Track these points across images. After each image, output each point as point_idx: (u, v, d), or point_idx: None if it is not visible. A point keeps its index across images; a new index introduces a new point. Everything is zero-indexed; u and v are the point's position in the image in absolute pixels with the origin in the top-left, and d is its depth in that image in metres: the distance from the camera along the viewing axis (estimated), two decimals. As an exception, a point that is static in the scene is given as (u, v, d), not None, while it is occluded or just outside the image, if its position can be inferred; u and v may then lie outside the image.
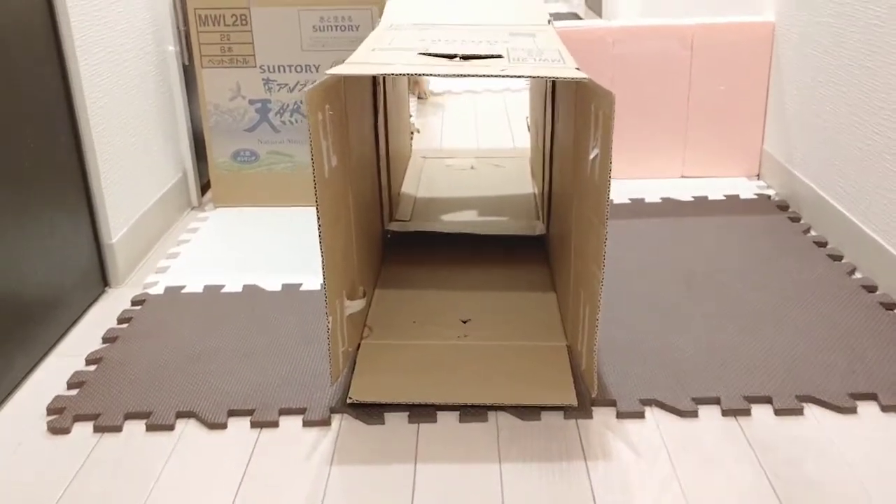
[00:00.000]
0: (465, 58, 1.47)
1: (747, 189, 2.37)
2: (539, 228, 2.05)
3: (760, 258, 1.92)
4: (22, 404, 1.48)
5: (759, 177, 2.46)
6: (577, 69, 1.36)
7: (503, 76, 1.34)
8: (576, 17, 5.93)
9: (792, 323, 1.64)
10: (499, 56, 1.48)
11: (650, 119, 2.43)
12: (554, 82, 1.87)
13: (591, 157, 1.35)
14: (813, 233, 2.06)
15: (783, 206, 2.22)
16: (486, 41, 1.62)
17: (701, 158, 2.47)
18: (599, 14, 5.31)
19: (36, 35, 1.63)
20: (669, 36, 2.35)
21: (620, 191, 2.38)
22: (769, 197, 2.30)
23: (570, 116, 1.60)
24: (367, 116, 1.81)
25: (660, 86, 2.39)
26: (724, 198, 2.31)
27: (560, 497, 1.21)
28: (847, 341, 1.56)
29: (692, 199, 2.30)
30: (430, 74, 1.36)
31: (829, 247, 1.97)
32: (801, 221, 2.12)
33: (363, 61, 1.42)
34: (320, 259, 1.32)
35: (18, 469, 1.31)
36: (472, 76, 1.34)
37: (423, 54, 1.48)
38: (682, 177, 2.49)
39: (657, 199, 2.31)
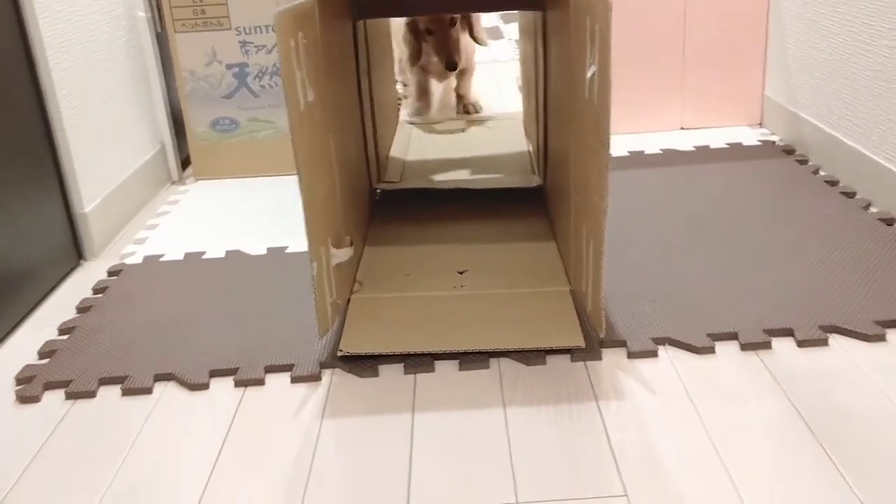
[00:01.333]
0: None
1: (750, 137, 2.27)
2: (535, 181, 1.95)
3: (769, 199, 1.83)
4: (-11, 375, 1.38)
5: (761, 125, 2.36)
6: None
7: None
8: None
9: (808, 257, 1.54)
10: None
11: (645, 70, 2.33)
12: (545, 22, 1.78)
13: (589, 75, 1.25)
14: (822, 173, 1.96)
15: (789, 150, 2.13)
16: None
17: (700, 108, 2.37)
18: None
19: (-9, -12, 1.53)
20: (662, -19, 2.25)
21: (618, 144, 2.28)
22: (773, 143, 2.20)
23: (564, 48, 1.50)
24: (349, 66, 1.71)
25: (653, 34, 2.30)
26: (726, 146, 2.21)
27: (570, 437, 1.12)
28: (868, 272, 1.47)
29: (693, 149, 2.21)
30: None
31: (841, 185, 1.87)
32: (810, 163, 2.03)
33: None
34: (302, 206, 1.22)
35: (-16, 441, 1.21)
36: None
37: None
38: (682, 128, 2.39)
39: (657, 151, 2.22)
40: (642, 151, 2.22)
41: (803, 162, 2.04)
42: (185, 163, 2.33)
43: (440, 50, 2.31)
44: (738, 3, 2.25)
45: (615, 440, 1.10)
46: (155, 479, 1.10)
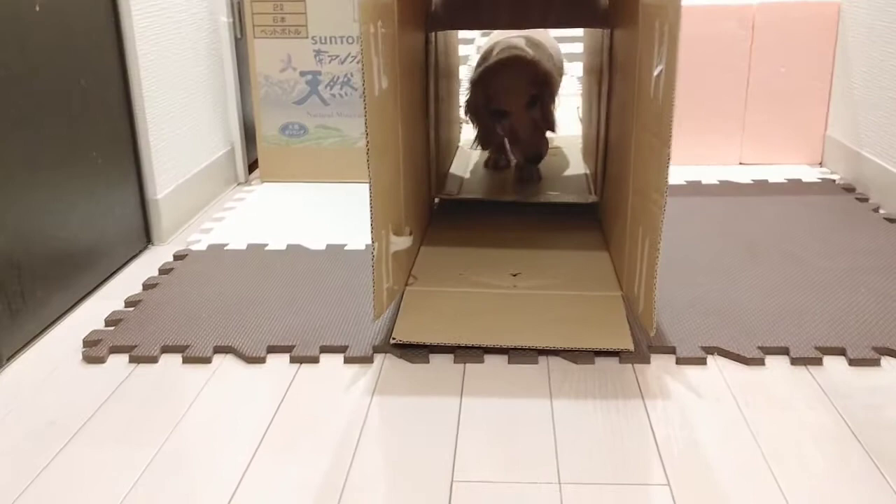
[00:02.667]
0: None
1: (810, 174, 2.27)
2: (592, 198, 1.98)
3: (827, 230, 1.82)
4: (59, 337, 1.45)
5: (821, 164, 2.36)
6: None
7: None
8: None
9: (863, 285, 1.53)
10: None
11: (707, 103, 2.35)
12: (612, 40, 1.82)
13: (655, 73, 1.28)
14: (883, 211, 1.95)
15: (849, 188, 2.12)
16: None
17: (760, 144, 2.38)
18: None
19: (92, -21, 1.63)
20: (729, 16, 2.28)
21: (675, 174, 2.29)
22: (833, 181, 2.20)
23: (630, 60, 1.54)
24: (419, 73, 1.77)
25: (718, 68, 2.32)
26: (785, 181, 2.21)
27: (615, 429, 1.13)
28: (926, 302, 1.46)
29: (751, 182, 2.21)
30: None
31: (901, 222, 1.87)
32: (870, 201, 2.02)
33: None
34: (369, 211, 1.27)
35: (50, 393, 1.27)
36: None
37: None
38: (740, 163, 2.40)
39: (714, 182, 2.23)
40: (699, 181, 2.23)
41: (863, 199, 2.03)
42: (251, 167, 2.41)
43: (517, 137, 1.87)
44: (805, 42, 2.27)
45: (660, 435, 1.11)
46: (207, 442, 1.14)
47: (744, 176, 2.27)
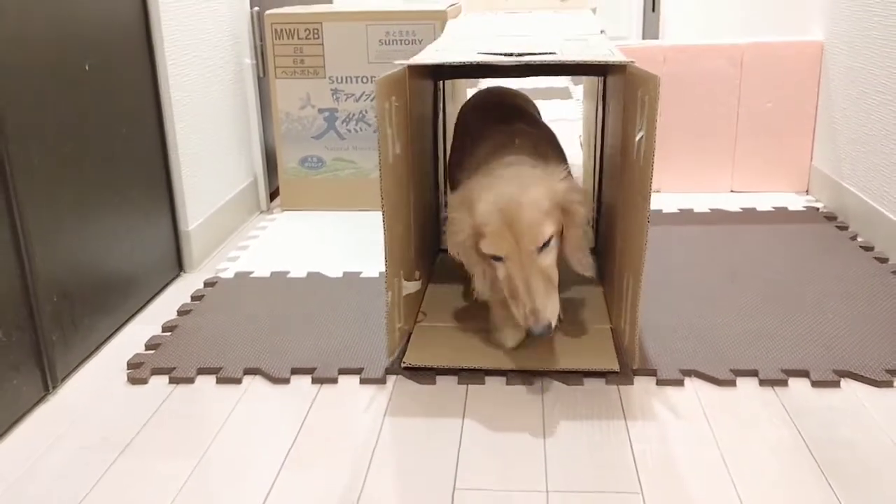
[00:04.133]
0: (521, 55, 1.59)
1: (796, 202, 2.42)
2: (589, 240, 2.12)
3: (805, 259, 1.97)
4: (105, 359, 1.62)
5: (807, 192, 2.51)
6: (630, 62, 1.46)
7: (554, 62, 1.45)
8: (633, 59, 6.04)
9: (833, 312, 1.68)
10: (552, 53, 1.59)
11: (700, 135, 2.51)
12: (605, 88, 1.98)
13: (637, 138, 1.45)
14: (860, 239, 2.10)
15: (831, 217, 2.27)
16: (541, 45, 1.74)
17: (750, 174, 2.53)
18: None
19: (132, 40, 1.81)
20: (719, 55, 2.44)
21: (669, 202, 2.45)
22: (817, 209, 2.35)
23: (619, 112, 1.70)
24: (428, 123, 1.94)
25: (709, 103, 2.48)
26: (772, 209, 2.36)
27: (598, 445, 1.28)
28: (886, 326, 1.60)
29: (740, 210, 2.36)
30: (488, 62, 1.48)
31: (875, 250, 2.01)
32: (849, 229, 2.16)
33: (427, 58, 1.55)
34: (382, 243, 1.44)
35: (100, 411, 1.44)
36: (526, 62, 1.45)
37: (483, 53, 1.60)
38: (731, 191, 2.55)
39: (706, 210, 2.38)
40: (692, 209, 2.38)
41: (843, 228, 2.17)
42: (272, 195, 2.59)
43: (517, 292, 1.35)
44: (791, 78, 2.42)
45: (637, 450, 1.27)
46: (240, 455, 1.31)
47: (734, 203, 2.42)
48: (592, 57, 1.44)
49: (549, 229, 1.36)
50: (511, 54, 1.58)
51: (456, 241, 1.44)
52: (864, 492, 1.15)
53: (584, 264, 1.45)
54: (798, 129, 2.47)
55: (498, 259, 1.38)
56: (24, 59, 1.42)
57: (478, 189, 1.41)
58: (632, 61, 1.39)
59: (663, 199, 2.48)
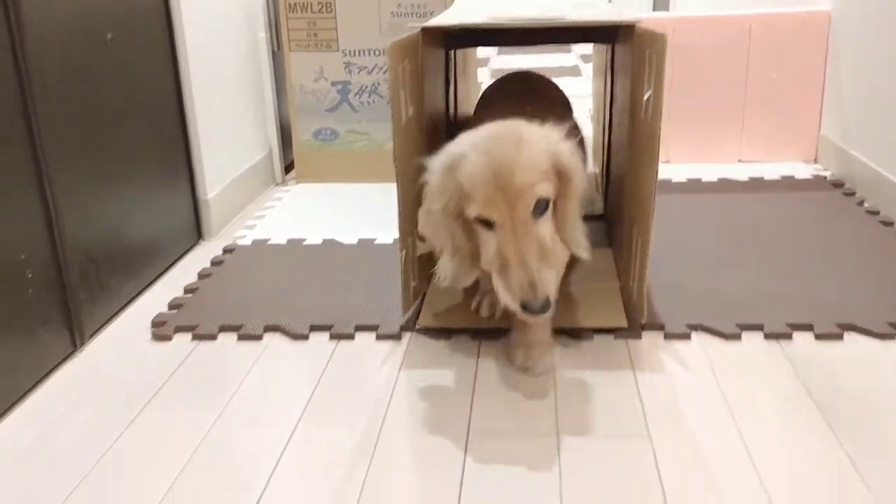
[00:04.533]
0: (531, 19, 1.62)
1: (804, 171, 2.44)
2: (598, 207, 2.16)
3: (811, 223, 2.00)
4: (129, 319, 1.67)
5: (816, 161, 2.53)
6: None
7: (563, 24, 1.48)
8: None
9: (837, 272, 1.71)
10: (561, 18, 1.63)
11: (708, 106, 2.53)
12: (613, 56, 2.01)
13: (645, 98, 1.48)
14: (867, 204, 2.12)
15: (838, 184, 2.29)
16: (550, 10, 1.78)
17: (758, 144, 2.56)
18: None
19: (151, 13, 1.85)
20: (728, 25, 2.46)
21: (678, 172, 2.48)
22: (825, 178, 2.37)
23: (627, 84, 1.73)
24: (440, 87, 1.97)
25: (718, 74, 2.50)
26: (779, 178, 2.39)
27: (608, 393, 1.33)
28: (892, 286, 1.63)
29: (748, 180, 2.39)
30: (499, 25, 1.52)
31: (881, 215, 2.04)
32: (856, 195, 2.19)
33: (440, 20, 1.59)
34: (395, 210, 1.48)
35: (125, 368, 1.49)
36: (535, 23, 1.48)
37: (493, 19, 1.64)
38: (740, 161, 2.58)
39: (714, 179, 2.41)
40: (700, 179, 2.41)
41: (850, 194, 2.20)
42: (287, 168, 2.63)
43: (509, 264, 1.20)
44: (799, 48, 2.44)
45: (645, 398, 1.31)
46: (261, 407, 1.36)
47: (742, 173, 2.45)
48: (601, 17, 1.48)
49: (546, 192, 1.21)
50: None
51: (433, 209, 1.26)
52: (865, 438, 1.19)
53: (577, 242, 1.27)
54: (806, 98, 2.49)
55: (489, 227, 1.21)
56: (51, 32, 1.47)
57: (465, 147, 1.24)
58: (639, 20, 1.42)
59: (672, 170, 2.51)
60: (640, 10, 6.84)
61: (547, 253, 1.21)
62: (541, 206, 1.22)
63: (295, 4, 2.39)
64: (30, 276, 1.41)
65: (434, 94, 1.86)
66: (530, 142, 1.23)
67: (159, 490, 1.15)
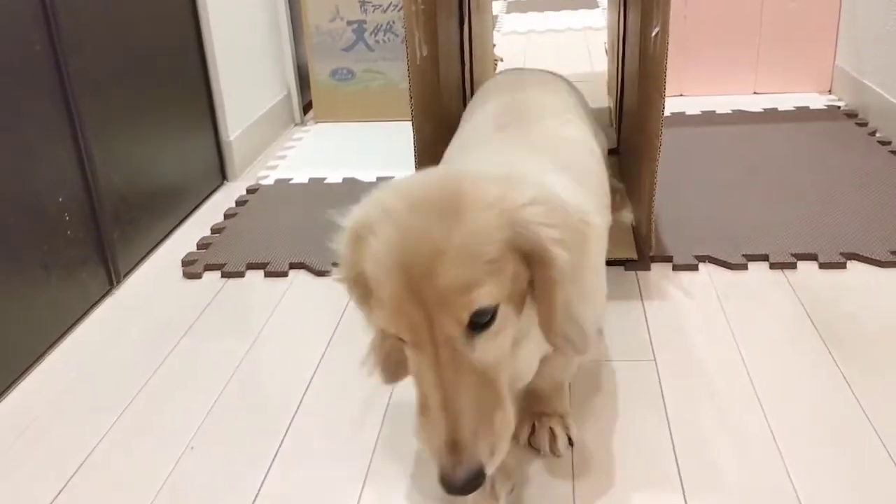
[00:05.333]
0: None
1: (818, 102, 2.46)
2: (611, 141, 2.19)
3: (822, 153, 2.03)
4: (161, 257, 1.75)
5: (830, 91, 2.54)
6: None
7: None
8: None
9: (843, 201, 1.75)
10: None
11: (722, 37, 2.53)
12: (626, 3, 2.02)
13: (653, 33, 1.51)
14: (879, 135, 2.14)
15: (851, 114, 2.31)
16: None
17: (773, 75, 2.56)
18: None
19: (168, -49, 1.88)
20: (743, -45, 2.44)
21: (692, 104, 2.50)
22: (838, 108, 2.38)
23: (638, 19, 1.75)
24: (454, 31, 2.00)
25: (733, 5, 2.49)
26: (794, 109, 2.41)
27: (616, 321, 1.40)
28: (894, 214, 1.68)
29: (762, 111, 2.41)
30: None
31: (892, 145, 2.06)
32: (868, 125, 2.21)
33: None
34: (412, 144, 1.53)
35: (160, 304, 1.58)
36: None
37: None
38: (755, 93, 2.59)
39: (728, 111, 2.43)
40: (714, 111, 2.43)
41: (862, 124, 2.22)
42: (306, 108, 2.68)
43: (427, 405, 0.78)
44: (815, -23, 2.43)
45: (652, 324, 1.38)
46: (290, 336, 1.44)
47: (756, 105, 2.47)
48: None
49: (490, 298, 0.76)
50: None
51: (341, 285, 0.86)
52: (861, 358, 1.26)
53: (573, 340, 0.83)
54: (821, 28, 2.48)
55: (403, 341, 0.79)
56: (73, -24, 1.52)
57: (378, 210, 0.80)
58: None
59: (686, 102, 2.53)
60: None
61: (491, 393, 0.77)
62: (482, 317, 0.76)
63: (309, -56, 2.40)
64: (67, 218, 1.49)
65: (448, 32, 1.89)
66: (473, 210, 0.76)
67: (200, 414, 1.24)
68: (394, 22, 2.46)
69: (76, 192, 1.52)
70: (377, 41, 2.49)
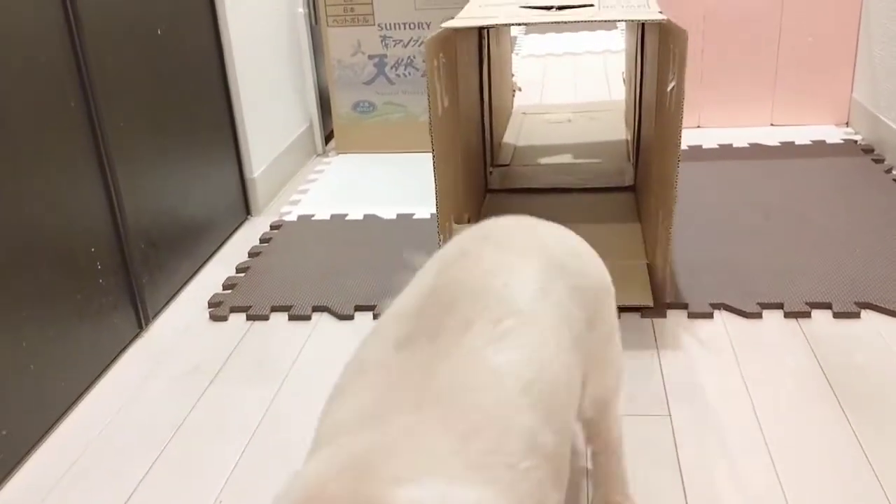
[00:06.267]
0: (560, 8, 1.68)
1: (835, 135, 2.47)
2: (628, 178, 2.23)
3: (838, 192, 2.05)
4: (188, 299, 1.80)
5: (847, 124, 2.55)
6: (660, 12, 1.54)
7: (590, 20, 1.54)
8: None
9: (859, 245, 1.77)
10: (590, 5, 1.68)
11: (740, 69, 2.56)
12: (643, 35, 2.05)
13: (669, 88, 1.54)
14: (895, 173, 2.16)
15: (868, 150, 2.32)
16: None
17: (790, 107, 2.58)
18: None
19: (197, 4, 1.94)
20: (760, -11, 2.47)
21: (710, 137, 2.52)
22: (855, 142, 2.40)
23: (655, 60, 1.78)
24: (474, 68, 2.04)
25: (750, 36, 2.52)
26: (810, 143, 2.42)
27: (631, 371, 1.43)
28: (911, 261, 1.70)
29: (779, 144, 2.43)
30: (528, 23, 1.58)
31: (908, 184, 2.08)
32: (885, 163, 2.23)
33: (471, 16, 1.65)
34: (433, 190, 1.57)
35: (188, 347, 1.63)
36: (563, 22, 1.54)
37: (524, 7, 1.70)
38: (772, 125, 2.61)
39: (745, 145, 2.45)
40: (731, 144, 2.46)
41: (879, 161, 2.24)
42: (327, 138, 2.73)
43: None
44: (831, 12, 2.45)
45: (667, 376, 1.41)
46: (314, 384, 1.48)
47: (773, 137, 2.49)
48: (628, 16, 1.53)
49: None
50: (550, 8, 1.68)
51: None
52: (872, 413, 1.28)
53: None
54: (838, 62, 2.50)
55: None
56: (109, 29, 1.57)
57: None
58: (664, 20, 1.48)
59: (704, 135, 2.55)
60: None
61: None
62: None
63: (331, -19, 2.45)
64: (99, 267, 1.54)
65: (468, 78, 1.93)
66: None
67: (232, 458, 1.28)
68: (414, 56, 2.50)
69: (107, 239, 1.57)
70: (398, 75, 2.53)
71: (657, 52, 1.73)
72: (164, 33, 1.77)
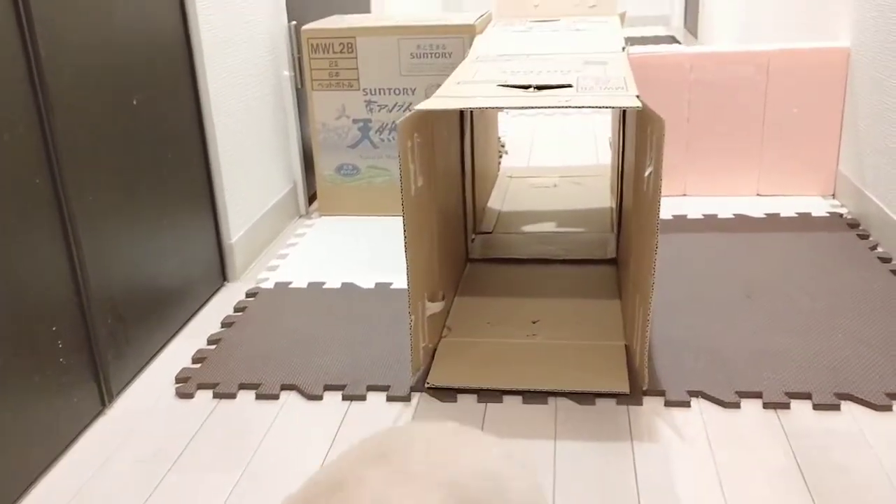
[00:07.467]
0: (539, 87, 1.67)
1: (821, 207, 2.46)
2: (610, 250, 2.20)
3: (822, 270, 2.03)
4: (156, 373, 1.76)
5: (833, 196, 2.54)
6: (637, 97, 1.53)
7: (565, 107, 1.52)
8: (674, 40, 6.02)
9: (842, 329, 1.74)
10: (568, 85, 1.67)
11: (726, 140, 2.55)
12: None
13: (647, 173, 1.52)
14: (880, 249, 2.14)
15: (854, 224, 2.30)
16: (560, 71, 1.82)
17: (776, 177, 2.57)
18: (696, 36, 5.40)
19: (175, 65, 1.93)
20: (746, 61, 2.47)
21: (695, 206, 2.51)
22: (841, 215, 2.38)
23: (633, 140, 1.77)
24: (455, 138, 2.03)
25: (736, 108, 2.52)
26: (796, 215, 2.41)
27: (606, 464, 1.38)
28: (891, 348, 1.66)
29: (764, 216, 2.41)
30: (504, 107, 1.56)
31: (893, 263, 2.05)
32: (870, 239, 2.20)
33: (448, 95, 1.64)
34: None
35: (151, 427, 1.58)
36: (541, 107, 1.53)
37: (502, 86, 1.69)
38: (758, 195, 2.59)
39: (730, 216, 2.43)
40: (716, 215, 2.44)
41: (864, 237, 2.21)
42: (311, 198, 2.71)
43: None
44: (816, 85, 2.45)
45: (640, 472, 1.36)
46: (279, 468, 1.44)
47: (759, 208, 2.47)
48: (603, 102, 1.52)
49: None
50: (529, 87, 1.67)
51: None
52: (851, 518, 1.24)
53: None
54: (824, 134, 2.50)
55: None
56: (80, 103, 1.55)
57: None
58: (639, 107, 1.46)
59: (689, 203, 2.53)
60: (671, 11, 6.81)
61: None
62: None
63: (317, 45, 2.45)
64: (60, 345, 1.50)
65: (448, 151, 1.92)
66: None
67: (179, 563, 1.23)
68: (397, 122, 2.49)
69: (70, 316, 1.54)
70: (381, 139, 2.52)
71: (635, 133, 1.72)
72: (139, 103, 1.76)
